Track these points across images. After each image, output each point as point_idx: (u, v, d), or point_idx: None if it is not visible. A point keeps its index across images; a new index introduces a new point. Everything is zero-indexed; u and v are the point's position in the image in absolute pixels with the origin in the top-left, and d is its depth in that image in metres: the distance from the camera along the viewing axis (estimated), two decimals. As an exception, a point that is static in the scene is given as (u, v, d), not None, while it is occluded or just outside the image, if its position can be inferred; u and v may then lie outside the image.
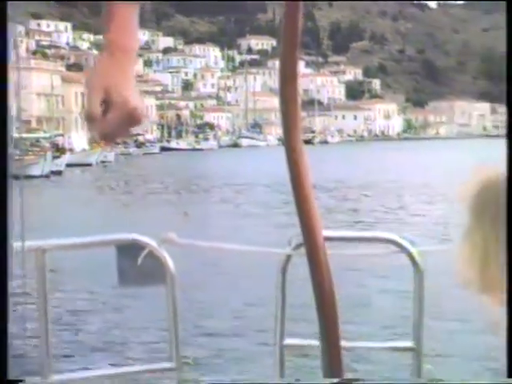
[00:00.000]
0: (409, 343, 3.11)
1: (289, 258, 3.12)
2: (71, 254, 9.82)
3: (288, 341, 3.22)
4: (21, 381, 2.10)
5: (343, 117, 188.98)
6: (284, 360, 3.24)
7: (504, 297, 2.12)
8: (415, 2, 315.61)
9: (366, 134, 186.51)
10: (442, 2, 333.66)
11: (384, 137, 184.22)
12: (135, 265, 3.26)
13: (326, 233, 2.99)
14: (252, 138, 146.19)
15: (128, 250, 3.31)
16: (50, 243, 3.37)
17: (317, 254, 2.99)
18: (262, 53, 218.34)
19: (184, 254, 3.76)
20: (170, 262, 3.23)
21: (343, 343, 3.04)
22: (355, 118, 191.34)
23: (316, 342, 3.09)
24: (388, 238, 3.16)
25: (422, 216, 28.01)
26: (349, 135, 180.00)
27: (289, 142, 2.89)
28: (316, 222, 2.96)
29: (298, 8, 2.73)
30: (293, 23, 2.80)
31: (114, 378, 4.79)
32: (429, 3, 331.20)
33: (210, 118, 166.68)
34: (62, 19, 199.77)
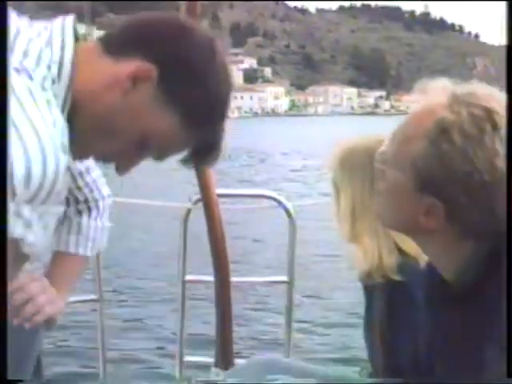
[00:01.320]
0: (284, 277, 3.12)
1: (189, 211, 3.09)
2: None
3: (188, 277, 3.19)
4: (21, 381, 1.89)
5: (241, 97, 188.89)
6: (185, 294, 3.22)
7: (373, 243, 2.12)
8: (298, 7, 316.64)
9: (259, 111, 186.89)
10: (319, 7, 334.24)
11: (274, 113, 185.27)
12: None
13: (218, 191, 2.98)
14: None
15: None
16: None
17: (211, 208, 2.97)
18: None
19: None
20: None
21: (232, 279, 3.05)
22: (251, 98, 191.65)
23: (211, 278, 3.08)
24: (268, 195, 3.16)
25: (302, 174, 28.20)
26: (246, 112, 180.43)
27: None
28: (211, 182, 2.95)
29: (195, 7, 2.73)
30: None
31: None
32: (309, 8, 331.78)
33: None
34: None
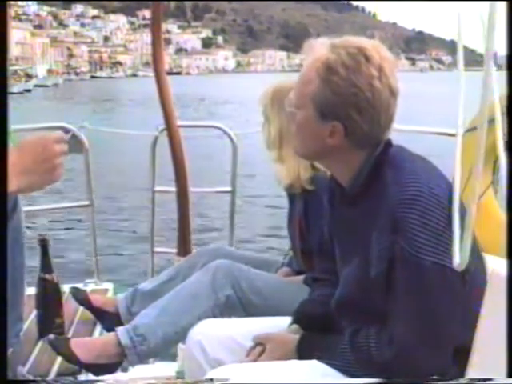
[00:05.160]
0: (228, 188, 3.07)
1: (156, 138, 2.99)
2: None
3: (157, 188, 3.11)
4: (21, 381, 1.60)
5: (200, 59, 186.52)
6: (155, 200, 3.14)
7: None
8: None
9: (213, 69, 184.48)
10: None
11: (224, 71, 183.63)
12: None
13: (178, 122, 2.90)
14: (144, 71, 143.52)
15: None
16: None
17: (173, 135, 2.89)
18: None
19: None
20: (86, 140, 3.00)
21: (189, 189, 2.98)
22: (207, 59, 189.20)
23: (174, 188, 3.01)
24: (217, 126, 3.07)
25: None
26: (203, 70, 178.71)
27: (157, 70, 2.83)
28: (173, 116, 2.87)
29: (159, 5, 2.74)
30: (158, 3, 2.75)
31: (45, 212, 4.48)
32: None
33: (119, 58, 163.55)
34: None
